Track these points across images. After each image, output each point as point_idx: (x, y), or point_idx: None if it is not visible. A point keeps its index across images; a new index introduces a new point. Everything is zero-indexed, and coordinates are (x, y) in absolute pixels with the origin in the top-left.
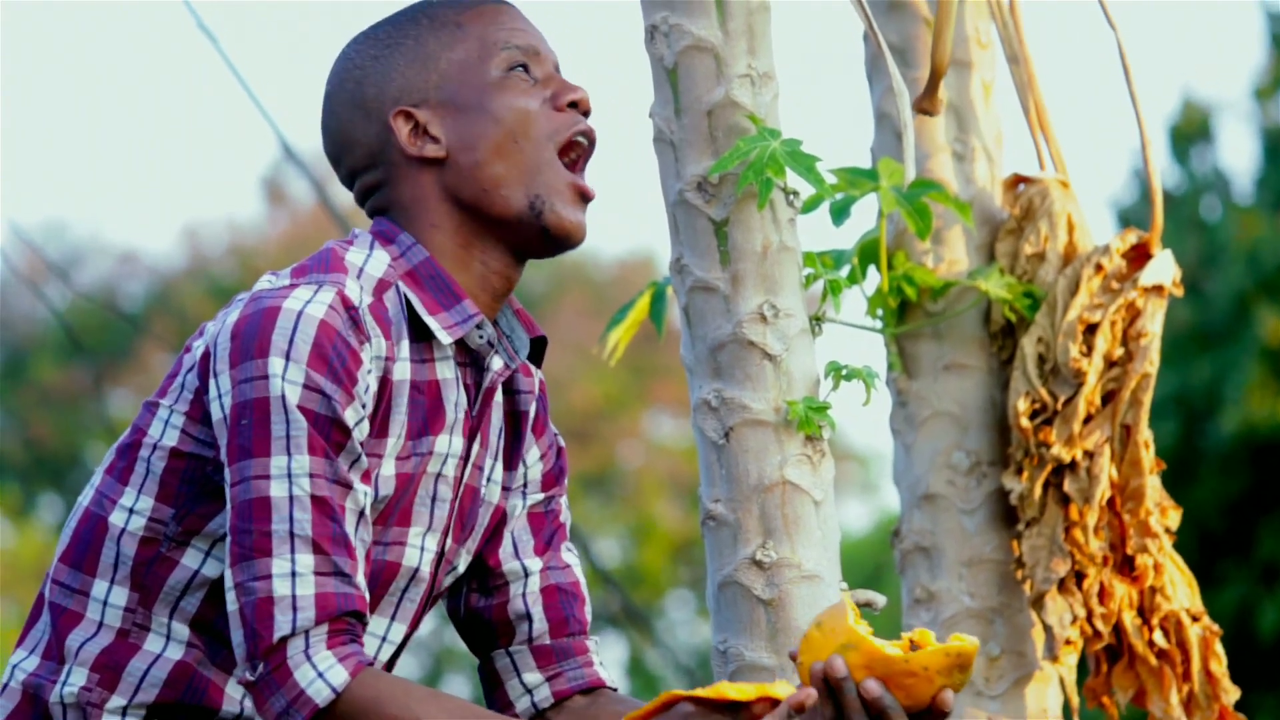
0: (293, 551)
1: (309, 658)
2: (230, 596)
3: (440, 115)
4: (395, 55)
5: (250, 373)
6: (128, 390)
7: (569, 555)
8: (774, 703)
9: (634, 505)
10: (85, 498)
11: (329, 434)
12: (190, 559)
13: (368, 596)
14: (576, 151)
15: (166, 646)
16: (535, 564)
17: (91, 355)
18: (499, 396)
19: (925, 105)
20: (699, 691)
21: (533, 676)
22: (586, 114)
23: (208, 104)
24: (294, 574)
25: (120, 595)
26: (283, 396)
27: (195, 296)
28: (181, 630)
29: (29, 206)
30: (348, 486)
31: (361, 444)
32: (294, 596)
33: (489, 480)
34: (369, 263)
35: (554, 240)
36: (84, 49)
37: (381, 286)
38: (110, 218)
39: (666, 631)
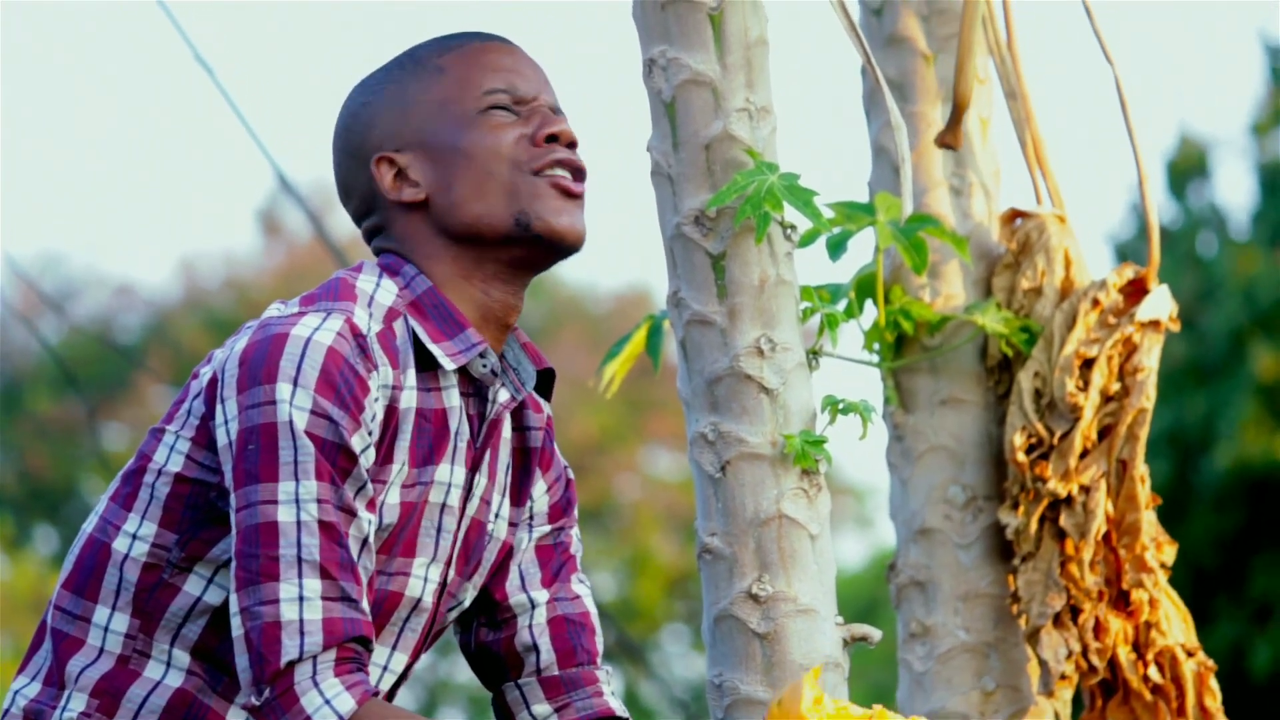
0: (300, 576)
1: (316, 684)
2: (235, 621)
3: (419, 158)
4: (380, 101)
5: (258, 398)
6: (124, 423)
7: (580, 586)
8: None
9: (630, 539)
10: (89, 524)
11: (335, 460)
12: (192, 585)
13: (372, 623)
14: (560, 185)
15: (167, 673)
16: (542, 596)
17: (87, 387)
18: (508, 432)
19: (948, 140)
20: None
21: (541, 708)
22: (571, 146)
23: (204, 136)
24: (302, 598)
25: (121, 621)
26: (290, 422)
27: (191, 329)
28: (182, 658)
29: (25, 239)
30: (352, 514)
31: (367, 471)
32: (301, 621)
33: (496, 516)
34: (378, 291)
35: (550, 246)
36: (80, 81)
37: (391, 315)
38: (106, 250)
39: (662, 665)
